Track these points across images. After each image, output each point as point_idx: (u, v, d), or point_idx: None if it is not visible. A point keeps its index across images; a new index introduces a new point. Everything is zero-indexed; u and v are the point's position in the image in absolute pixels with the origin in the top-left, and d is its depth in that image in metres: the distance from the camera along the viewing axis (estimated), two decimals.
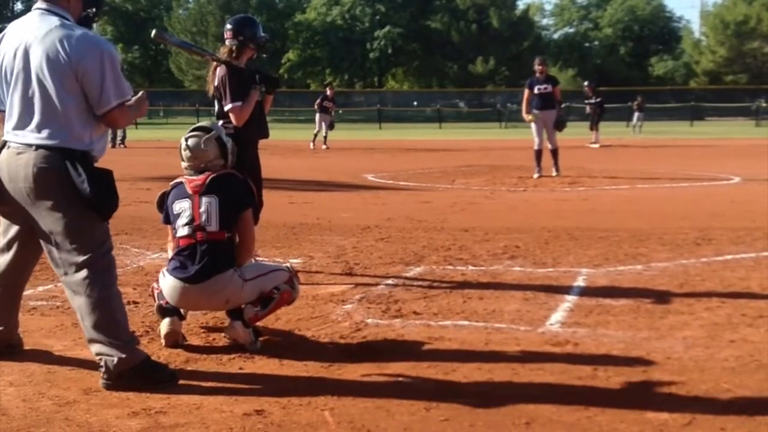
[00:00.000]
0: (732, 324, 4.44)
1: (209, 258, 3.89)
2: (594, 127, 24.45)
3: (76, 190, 3.36)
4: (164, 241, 7.21)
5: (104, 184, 3.43)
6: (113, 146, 21.64)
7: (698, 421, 3.08)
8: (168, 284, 3.98)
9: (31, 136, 3.39)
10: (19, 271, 3.74)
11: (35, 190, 3.40)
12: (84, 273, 3.42)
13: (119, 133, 22.93)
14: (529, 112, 13.27)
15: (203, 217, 3.93)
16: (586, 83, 26.66)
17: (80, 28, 3.48)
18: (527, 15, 69.72)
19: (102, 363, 3.43)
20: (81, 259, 3.42)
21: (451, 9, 64.77)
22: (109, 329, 3.43)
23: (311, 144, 22.96)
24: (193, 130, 4.18)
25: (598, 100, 24.84)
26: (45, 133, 3.38)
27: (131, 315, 4.09)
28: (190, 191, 4.00)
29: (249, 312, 4.00)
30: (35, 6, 3.51)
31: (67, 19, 3.47)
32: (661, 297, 5.06)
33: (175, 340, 4.02)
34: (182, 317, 4.12)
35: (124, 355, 3.41)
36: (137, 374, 3.42)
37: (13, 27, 3.54)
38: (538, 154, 13.29)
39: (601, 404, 3.25)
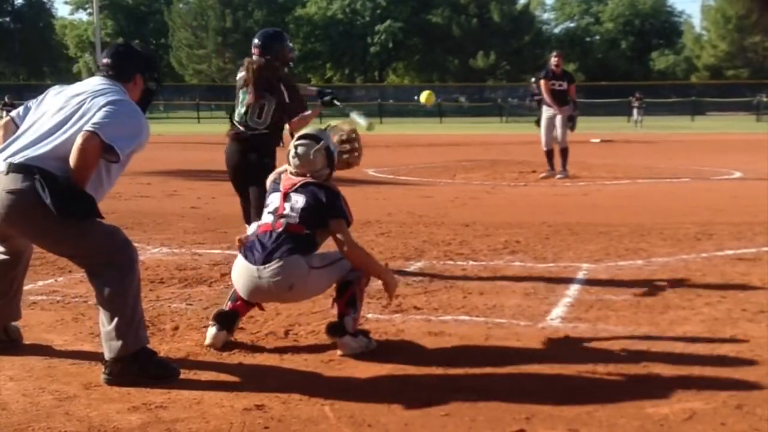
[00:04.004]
0: (732, 319, 4.44)
1: (280, 244, 3.82)
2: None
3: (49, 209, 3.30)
4: (165, 236, 7.23)
5: (68, 194, 3.34)
6: None
7: (698, 416, 3.08)
8: (236, 266, 3.94)
9: (21, 153, 3.40)
10: (14, 260, 3.75)
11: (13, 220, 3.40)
12: (104, 272, 3.44)
13: None
14: (549, 99, 12.32)
15: (287, 209, 3.92)
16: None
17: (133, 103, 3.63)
18: (528, 9, 69.60)
19: (106, 354, 3.43)
20: (95, 258, 3.45)
21: (452, 3, 64.65)
22: (119, 323, 3.41)
23: None
24: (302, 137, 4.06)
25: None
26: (31, 153, 3.37)
27: None
28: (282, 188, 4.02)
29: (349, 323, 3.90)
30: (100, 74, 3.69)
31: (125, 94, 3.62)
32: (662, 292, 5.06)
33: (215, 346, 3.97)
34: (231, 333, 4.01)
35: (126, 342, 3.39)
36: (137, 363, 3.41)
37: (79, 83, 3.71)
38: (549, 154, 12.49)
39: (602, 399, 3.24)
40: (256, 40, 5.43)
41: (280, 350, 3.91)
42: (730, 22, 60.32)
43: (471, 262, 6.04)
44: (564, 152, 12.54)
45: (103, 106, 3.43)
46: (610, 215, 8.46)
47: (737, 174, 13.01)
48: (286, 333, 4.21)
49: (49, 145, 3.39)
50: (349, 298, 3.93)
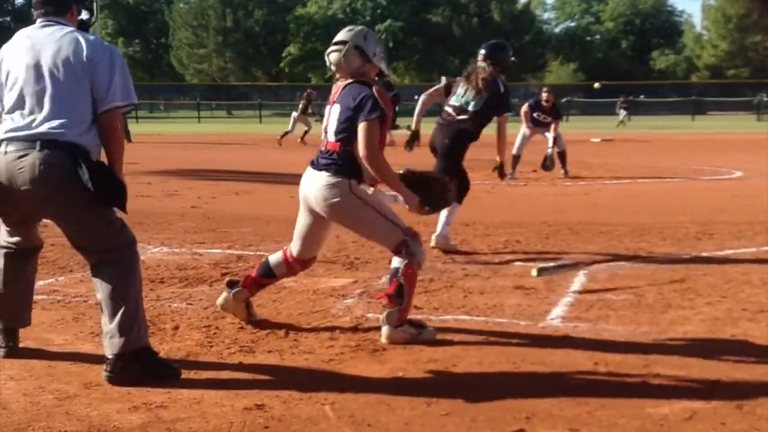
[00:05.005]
0: (733, 319, 4.45)
1: (330, 161, 3.96)
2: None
3: (85, 187, 3.35)
4: (165, 236, 7.24)
5: (105, 176, 3.41)
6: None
7: (699, 416, 3.08)
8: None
9: (42, 128, 3.39)
10: (24, 260, 3.75)
11: (45, 189, 3.38)
12: (111, 267, 3.45)
13: None
14: (528, 121, 13.30)
15: (330, 123, 4.02)
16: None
17: (90, 35, 3.57)
18: (528, 9, 69.52)
19: (107, 351, 3.43)
20: (105, 254, 3.46)
21: (453, 3, 64.61)
22: (123, 319, 3.41)
23: (279, 143, 22.26)
24: (333, 44, 4.05)
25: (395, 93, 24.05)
26: (56, 128, 3.37)
27: None
28: (330, 100, 4.10)
29: (391, 318, 3.93)
30: (40, 21, 3.56)
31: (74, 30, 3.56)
32: (662, 292, 5.06)
33: (226, 310, 4.34)
34: (234, 290, 4.28)
35: (129, 338, 3.40)
36: (138, 362, 3.41)
37: (21, 35, 3.59)
38: (516, 159, 12.95)
39: (602, 399, 3.25)
40: (483, 51, 6.57)
41: (280, 350, 3.91)
42: (730, 22, 60.26)
43: (471, 262, 6.04)
44: (562, 155, 12.98)
45: (92, 60, 3.38)
46: (610, 215, 8.47)
47: (737, 173, 13.01)
48: (286, 333, 4.21)
49: (69, 123, 3.37)
50: (396, 289, 3.95)
